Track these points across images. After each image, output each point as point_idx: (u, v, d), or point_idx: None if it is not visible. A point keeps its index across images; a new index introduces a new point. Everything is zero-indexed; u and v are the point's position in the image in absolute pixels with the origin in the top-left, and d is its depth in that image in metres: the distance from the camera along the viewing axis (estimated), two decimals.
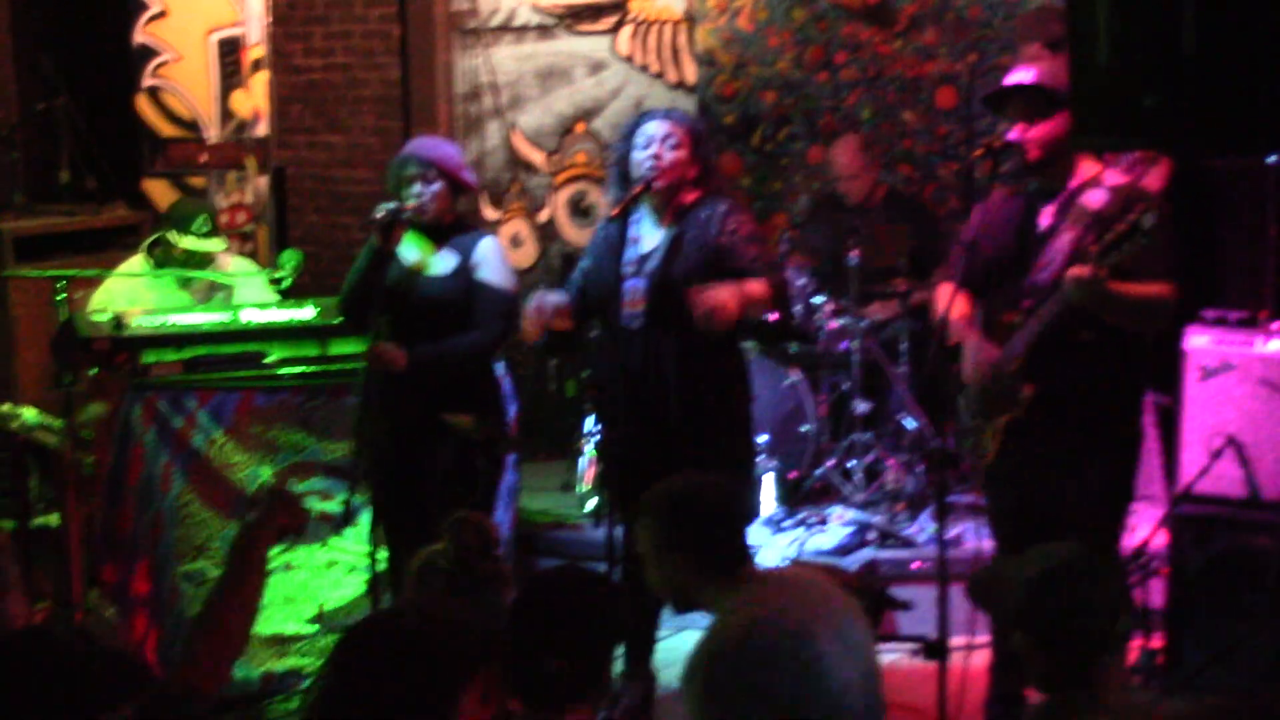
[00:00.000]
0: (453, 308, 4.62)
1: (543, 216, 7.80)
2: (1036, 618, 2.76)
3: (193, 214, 5.55)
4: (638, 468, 4.58)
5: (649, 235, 4.57)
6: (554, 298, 4.64)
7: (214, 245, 5.56)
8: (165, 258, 5.55)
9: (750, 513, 5.85)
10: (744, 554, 3.17)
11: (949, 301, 4.23)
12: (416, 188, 4.62)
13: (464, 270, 4.63)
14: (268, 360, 5.11)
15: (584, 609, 2.95)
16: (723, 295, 4.37)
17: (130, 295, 5.51)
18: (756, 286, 4.45)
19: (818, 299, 6.29)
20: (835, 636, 3.03)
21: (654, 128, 4.52)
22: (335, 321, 5.11)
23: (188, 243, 5.47)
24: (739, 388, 4.68)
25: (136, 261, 5.65)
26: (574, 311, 4.68)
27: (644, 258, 4.54)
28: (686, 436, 4.52)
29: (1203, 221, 5.36)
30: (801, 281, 6.31)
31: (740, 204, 4.71)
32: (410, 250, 4.70)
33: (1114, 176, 4.12)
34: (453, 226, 4.71)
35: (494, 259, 4.65)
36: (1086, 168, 4.13)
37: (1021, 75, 4.13)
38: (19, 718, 2.44)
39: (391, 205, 4.60)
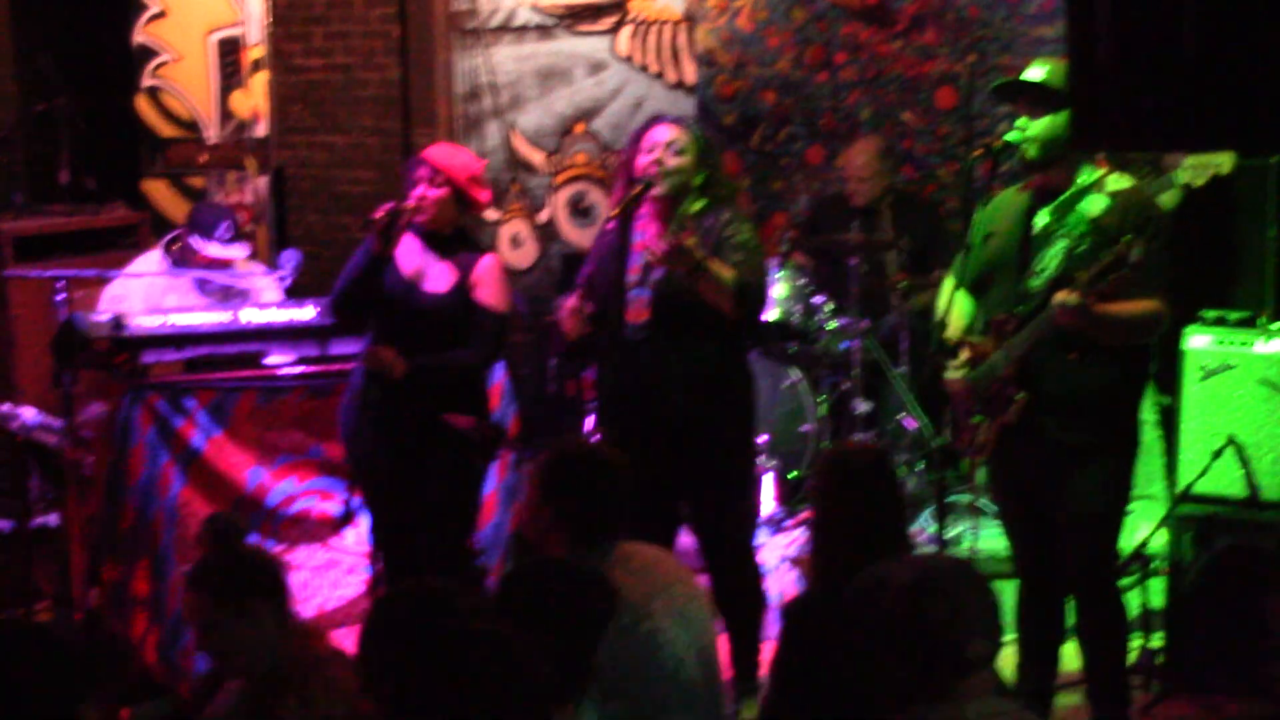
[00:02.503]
0: (449, 322, 4.63)
1: (543, 217, 7.81)
2: (905, 631, 2.64)
3: (216, 219, 5.55)
4: (639, 473, 4.57)
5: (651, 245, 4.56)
6: (571, 300, 4.59)
7: (237, 252, 5.58)
8: (183, 259, 5.55)
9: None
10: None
11: (949, 302, 4.25)
12: (420, 189, 4.63)
13: (463, 288, 4.63)
14: (268, 360, 5.11)
15: (565, 605, 2.91)
16: (670, 245, 4.30)
17: (147, 294, 5.52)
18: (725, 269, 4.41)
19: (818, 299, 6.30)
20: (671, 613, 3.39)
21: (661, 133, 4.53)
22: (335, 321, 5.11)
23: (213, 250, 5.48)
24: (744, 395, 4.67)
25: (153, 259, 5.66)
26: (592, 314, 4.65)
27: (648, 267, 4.54)
28: (690, 444, 4.51)
29: (1203, 221, 5.36)
30: (801, 281, 6.31)
31: (744, 211, 4.66)
32: (409, 259, 4.71)
33: (1117, 182, 4.11)
34: (455, 239, 4.70)
35: (492, 280, 4.66)
36: (1090, 171, 4.13)
37: (1032, 72, 4.15)
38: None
39: (390, 206, 4.60)
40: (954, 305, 4.31)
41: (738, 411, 4.63)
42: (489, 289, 4.63)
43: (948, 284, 4.37)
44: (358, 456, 4.74)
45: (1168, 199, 5.26)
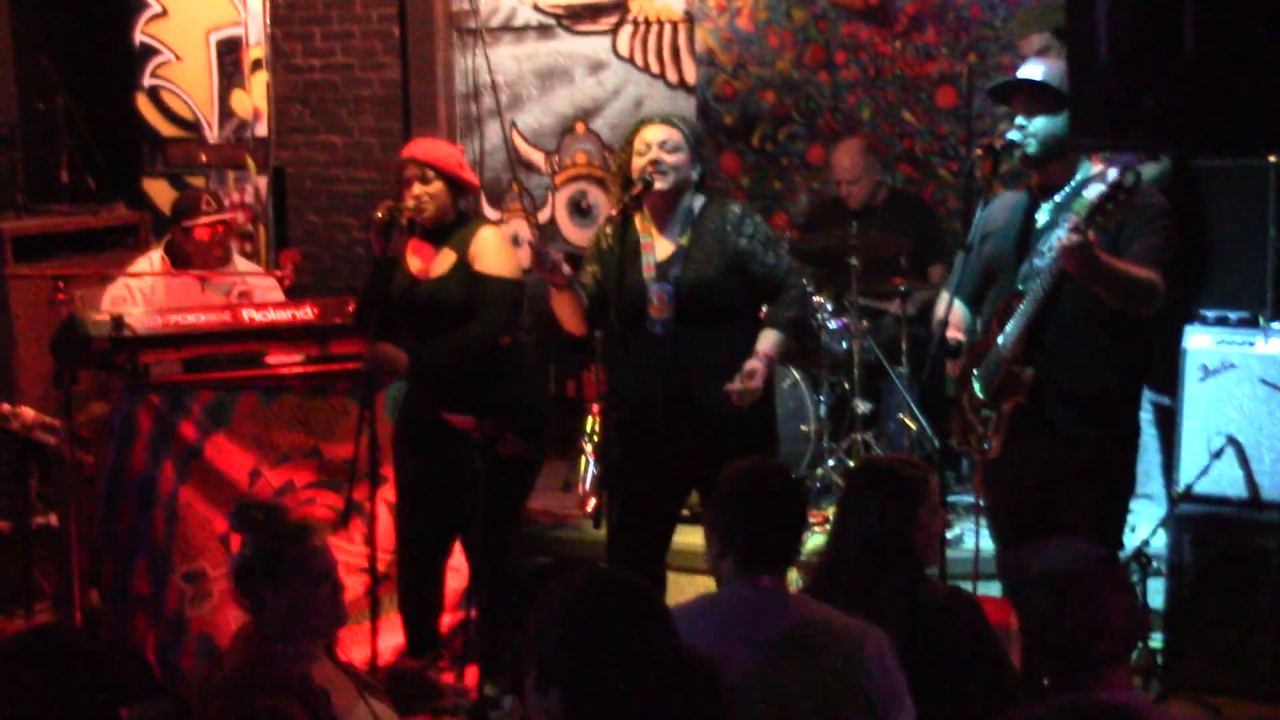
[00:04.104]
0: (455, 305, 4.64)
1: (543, 216, 7.81)
2: (1041, 617, 2.75)
3: (194, 199, 5.61)
4: (652, 469, 4.56)
5: (661, 241, 4.56)
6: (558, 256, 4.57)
7: (226, 216, 5.61)
8: (181, 257, 5.57)
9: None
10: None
11: (947, 308, 4.25)
12: (415, 189, 4.64)
13: (462, 266, 4.64)
14: (268, 360, 5.12)
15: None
16: (754, 382, 4.42)
17: (149, 294, 5.53)
18: (771, 343, 4.49)
19: (817, 299, 6.29)
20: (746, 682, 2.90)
21: (651, 133, 4.52)
22: (335, 321, 5.11)
23: (203, 223, 5.51)
24: (770, 384, 4.67)
25: (156, 259, 5.66)
26: (585, 317, 4.65)
27: (663, 264, 4.52)
28: (722, 434, 4.50)
29: (1202, 221, 5.35)
30: (801, 281, 6.31)
31: (749, 204, 4.69)
32: (414, 258, 4.73)
33: (1115, 174, 4.12)
34: (454, 225, 4.72)
35: (491, 248, 4.67)
36: (1088, 166, 4.14)
37: (1030, 70, 4.15)
38: (27, 715, 2.46)
39: (389, 204, 4.63)
40: (954, 310, 4.30)
41: (766, 400, 4.64)
42: (487, 258, 4.64)
43: (944, 294, 4.37)
44: (396, 452, 4.83)
45: (1150, 169, 5.26)
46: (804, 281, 4.68)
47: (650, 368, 4.51)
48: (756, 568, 3.09)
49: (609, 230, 4.59)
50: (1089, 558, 2.83)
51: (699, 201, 4.57)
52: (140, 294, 5.56)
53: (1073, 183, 4.13)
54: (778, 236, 4.64)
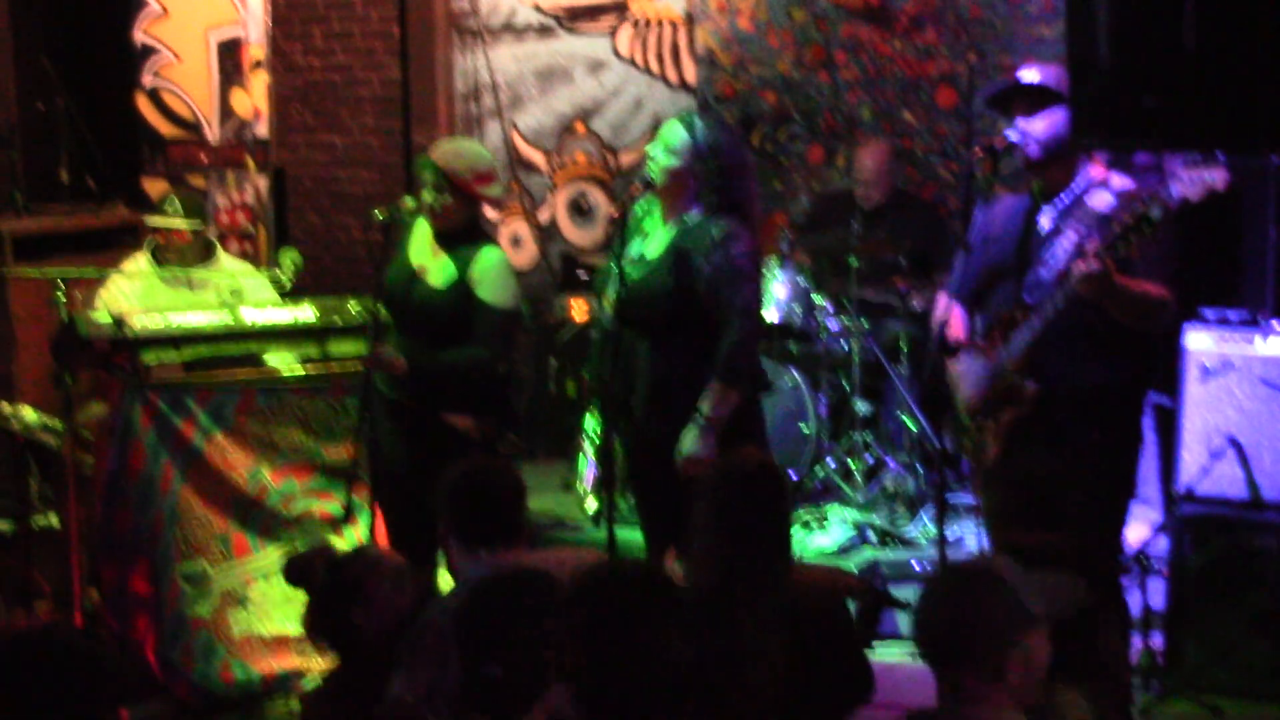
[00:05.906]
0: (450, 319, 4.63)
1: (543, 217, 7.81)
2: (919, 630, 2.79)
3: (161, 198, 5.66)
4: (641, 468, 4.57)
5: (654, 239, 4.55)
6: None
7: (179, 223, 5.58)
8: (164, 255, 5.58)
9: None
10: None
11: (945, 312, 4.24)
12: (427, 194, 4.64)
13: (462, 284, 4.63)
14: (268, 360, 5.11)
15: (524, 612, 2.88)
16: (692, 450, 4.27)
17: (139, 294, 5.53)
18: (708, 403, 4.26)
19: (818, 298, 6.29)
20: None
21: (663, 132, 4.52)
22: (335, 321, 5.11)
23: (154, 220, 5.56)
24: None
25: (141, 260, 5.67)
26: None
27: (635, 261, 4.52)
28: (651, 441, 4.47)
29: (1204, 222, 5.36)
30: (801, 281, 6.31)
31: (745, 229, 4.41)
32: (418, 252, 4.72)
33: (1121, 181, 4.11)
34: (463, 232, 4.69)
35: (492, 276, 4.63)
36: (1091, 171, 4.13)
37: (1028, 75, 4.14)
38: (25, 715, 2.46)
39: (394, 206, 4.63)
40: (953, 310, 4.30)
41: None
42: (487, 285, 4.62)
43: (943, 296, 4.36)
44: (372, 455, 4.76)
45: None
46: (755, 326, 4.48)
47: (607, 364, 4.49)
48: (475, 545, 3.47)
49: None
50: (967, 569, 2.88)
51: (694, 212, 4.44)
52: (129, 294, 5.55)
53: (1074, 188, 4.12)
54: (747, 277, 4.37)
